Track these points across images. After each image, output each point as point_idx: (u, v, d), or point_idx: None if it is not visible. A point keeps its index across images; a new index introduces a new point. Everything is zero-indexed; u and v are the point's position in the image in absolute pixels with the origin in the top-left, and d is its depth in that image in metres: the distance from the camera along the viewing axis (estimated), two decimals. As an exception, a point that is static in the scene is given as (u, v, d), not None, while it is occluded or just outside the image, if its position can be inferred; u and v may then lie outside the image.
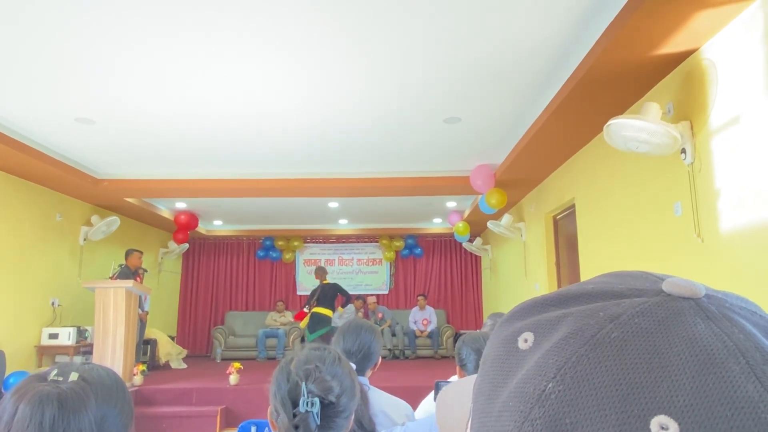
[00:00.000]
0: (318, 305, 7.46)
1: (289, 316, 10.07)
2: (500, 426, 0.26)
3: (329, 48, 3.41)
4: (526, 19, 3.08)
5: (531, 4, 2.93)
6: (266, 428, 2.22)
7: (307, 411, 0.96)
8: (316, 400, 0.98)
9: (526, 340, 0.29)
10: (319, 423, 0.97)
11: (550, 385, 0.25)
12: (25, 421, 0.84)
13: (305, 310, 7.60)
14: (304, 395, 0.97)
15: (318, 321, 7.37)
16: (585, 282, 0.33)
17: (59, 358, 6.26)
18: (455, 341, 9.51)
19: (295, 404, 0.98)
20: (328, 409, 1.00)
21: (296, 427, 0.97)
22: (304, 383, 0.99)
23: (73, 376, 0.91)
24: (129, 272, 6.65)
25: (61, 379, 0.91)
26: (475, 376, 0.52)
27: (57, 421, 0.85)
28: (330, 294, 7.57)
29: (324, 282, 7.70)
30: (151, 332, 7.75)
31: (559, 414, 0.24)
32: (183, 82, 3.91)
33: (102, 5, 2.91)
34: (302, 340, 9.58)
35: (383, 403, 1.65)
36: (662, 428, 0.23)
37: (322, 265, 10.80)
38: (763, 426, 0.23)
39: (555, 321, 0.29)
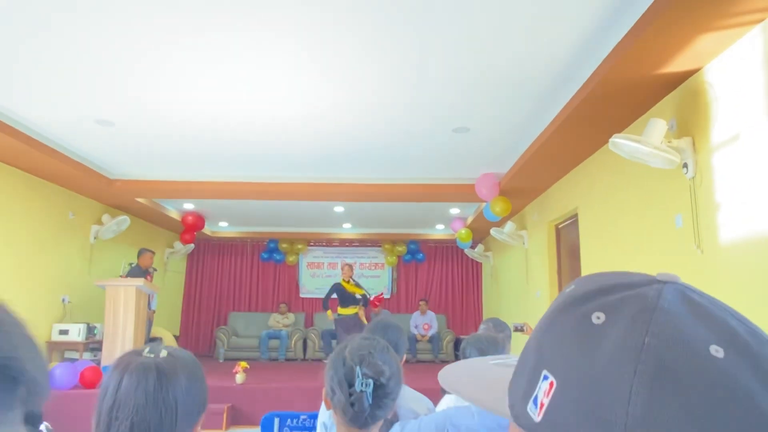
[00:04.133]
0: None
1: (291, 318, 10.19)
2: (614, 367, 0.37)
3: (343, 56, 3.52)
4: (537, 36, 3.22)
5: (543, 22, 3.08)
6: (288, 419, 2.35)
7: (361, 391, 1.10)
8: (370, 381, 1.12)
9: (598, 318, 0.41)
10: (371, 402, 1.11)
11: (646, 339, 0.37)
12: (132, 387, 0.98)
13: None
14: (359, 377, 1.11)
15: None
16: (602, 275, 0.46)
17: (69, 354, 6.37)
18: (455, 346, 9.64)
19: (351, 385, 1.13)
20: (379, 390, 1.14)
21: (352, 405, 1.11)
22: (358, 367, 1.14)
23: (164, 353, 1.05)
24: (140, 271, 6.78)
25: (153, 355, 1.04)
26: (466, 361, 0.60)
27: (157, 387, 0.99)
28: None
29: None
30: (156, 331, 7.87)
31: (661, 354, 0.37)
32: (199, 87, 4.03)
33: (125, 11, 3.05)
34: (304, 342, 9.71)
35: (409, 397, 1.79)
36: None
37: (325, 268, 10.96)
38: None
39: (618, 302, 0.41)
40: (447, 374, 0.55)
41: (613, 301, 0.41)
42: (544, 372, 0.41)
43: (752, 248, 2.76)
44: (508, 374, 0.49)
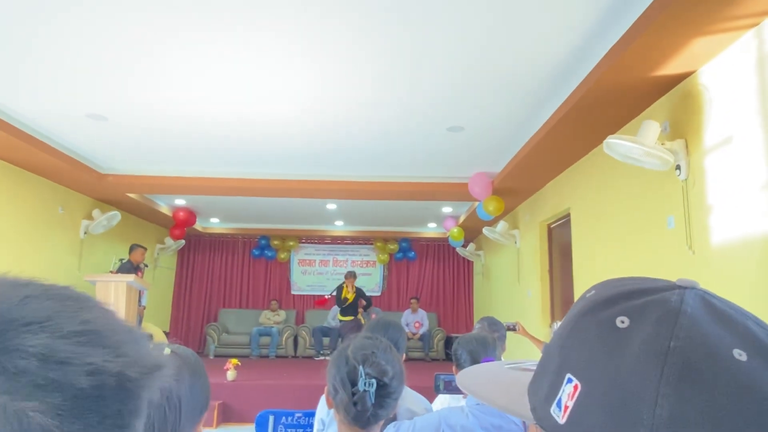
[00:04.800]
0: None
1: (282, 315, 10.17)
2: (640, 370, 0.38)
3: (337, 54, 3.51)
4: (533, 36, 3.24)
5: (540, 23, 3.09)
6: (283, 417, 2.34)
7: (365, 390, 1.10)
8: (374, 381, 1.12)
9: (623, 322, 0.41)
10: (373, 402, 1.11)
11: (672, 342, 0.38)
12: None
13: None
14: (362, 376, 1.11)
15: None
16: (622, 280, 0.46)
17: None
18: (446, 344, 9.67)
19: (354, 384, 1.13)
20: (382, 390, 1.14)
21: (355, 404, 1.11)
22: (361, 366, 1.14)
23: (167, 351, 1.04)
24: (131, 267, 6.73)
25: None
26: (483, 365, 0.62)
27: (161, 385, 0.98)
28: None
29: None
30: (146, 327, 7.82)
31: (687, 357, 0.38)
32: (193, 83, 4.01)
33: (122, 8, 3.02)
34: (295, 339, 9.70)
35: (407, 397, 1.79)
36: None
37: (317, 265, 10.96)
38: None
39: (641, 306, 0.42)
40: (465, 377, 0.56)
41: (637, 306, 0.42)
42: (568, 375, 0.42)
43: (743, 250, 2.79)
44: (526, 377, 0.49)
